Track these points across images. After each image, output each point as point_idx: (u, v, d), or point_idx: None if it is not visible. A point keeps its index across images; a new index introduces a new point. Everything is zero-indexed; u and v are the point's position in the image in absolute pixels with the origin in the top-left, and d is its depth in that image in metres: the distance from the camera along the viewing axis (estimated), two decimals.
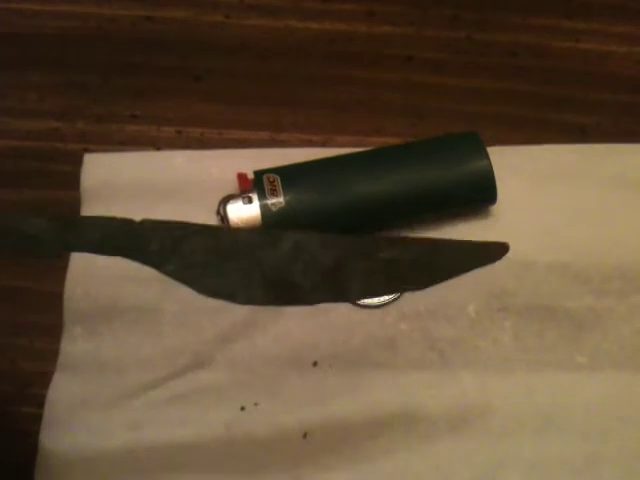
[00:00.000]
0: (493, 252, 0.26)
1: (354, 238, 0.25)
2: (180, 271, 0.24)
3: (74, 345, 0.36)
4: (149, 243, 0.24)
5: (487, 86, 0.44)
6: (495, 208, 0.38)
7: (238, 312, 0.37)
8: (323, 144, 0.42)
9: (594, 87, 0.44)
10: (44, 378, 0.35)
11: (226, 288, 0.24)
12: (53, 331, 0.36)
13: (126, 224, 0.24)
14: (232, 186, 0.38)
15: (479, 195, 0.38)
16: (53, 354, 0.36)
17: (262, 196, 0.36)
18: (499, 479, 0.33)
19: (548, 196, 0.39)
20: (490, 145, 0.38)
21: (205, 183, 0.39)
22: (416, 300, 0.37)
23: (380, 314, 0.36)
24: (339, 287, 0.25)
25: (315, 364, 0.35)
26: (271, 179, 0.37)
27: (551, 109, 0.43)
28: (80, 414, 0.34)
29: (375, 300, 0.37)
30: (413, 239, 0.26)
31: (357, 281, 0.25)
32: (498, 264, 0.37)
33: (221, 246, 0.24)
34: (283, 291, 0.25)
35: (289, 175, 0.37)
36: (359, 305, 0.36)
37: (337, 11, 0.46)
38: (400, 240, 0.26)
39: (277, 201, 0.36)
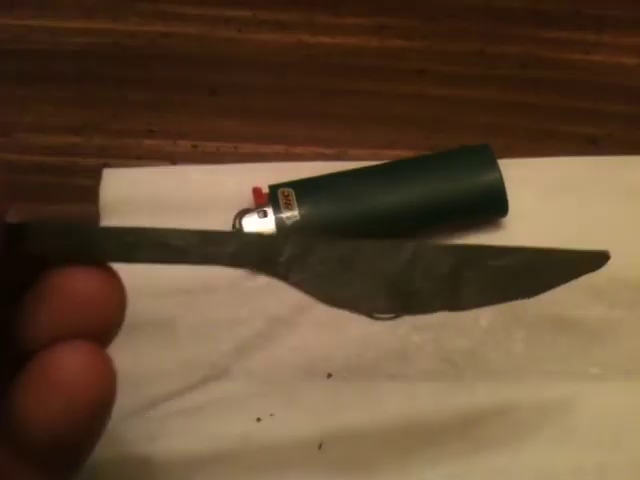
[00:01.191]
0: (595, 260, 0.27)
1: (466, 246, 0.25)
2: (305, 282, 0.25)
3: None
4: (279, 254, 0.24)
5: (499, 98, 0.45)
6: (506, 220, 0.39)
7: (254, 324, 0.37)
8: (337, 157, 0.42)
9: (605, 99, 0.45)
10: None
11: (350, 298, 0.25)
12: None
13: (260, 238, 0.25)
14: (248, 200, 0.38)
15: (490, 207, 0.38)
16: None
17: (277, 210, 0.37)
18: None
19: (559, 208, 0.40)
20: (502, 157, 0.38)
21: (221, 197, 0.40)
22: None
23: (392, 326, 0.37)
24: (453, 295, 0.25)
25: (329, 376, 0.36)
26: (286, 193, 0.38)
27: (562, 121, 0.44)
28: None
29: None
30: (518, 248, 0.26)
31: (471, 290, 0.25)
32: None
33: (345, 256, 0.25)
34: (404, 300, 0.25)
35: (303, 189, 0.38)
36: (372, 317, 0.37)
37: (348, 25, 0.47)
38: (507, 249, 0.26)
39: (292, 215, 0.37)
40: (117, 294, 0.22)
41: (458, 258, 0.25)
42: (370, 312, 0.25)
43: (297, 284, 0.24)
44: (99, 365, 0.21)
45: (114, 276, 0.22)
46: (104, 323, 0.22)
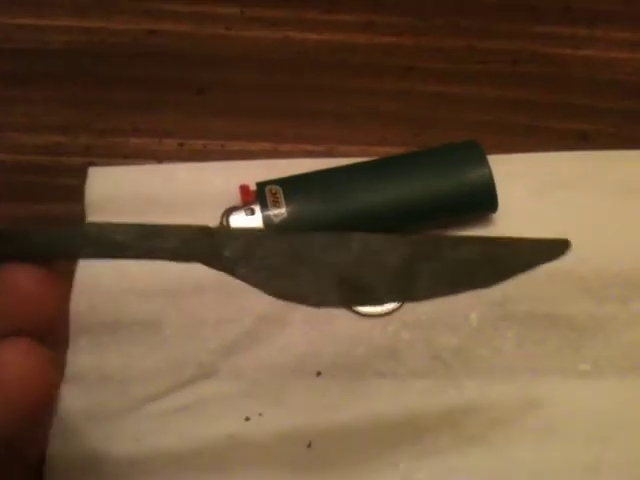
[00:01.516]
0: (555, 248, 0.27)
1: (419, 237, 0.25)
2: (253, 274, 0.24)
3: (79, 357, 0.36)
4: (224, 248, 0.24)
5: (489, 94, 0.45)
6: (496, 216, 0.38)
7: (242, 323, 0.37)
8: (326, 155, 0.42)
9: (596, 94, 0.45)
10: None
11: (298, 290, 0.25)
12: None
13: (202, 231, 0.24)
14: (235, 198, 0.38)
15: (480, 203, 0.38)
16: (60, 366, 0.36)
17: (264, 208, 0.37)
18: None
19: (549, 204, 0.39)
20: (491, 153, 0.38)
21: (208, 195, 0.39)
22: (418, 309, 0.37)
23: (382, 323, 0.36)
24: (407, 287, 0.25)
25: (319, 374, 0.36)
26: (273, 191, 0.37)
27: (553, 116, 0.44)
28: (85, 425, 0.34)
29: (377, 309, 0.37)
30: (475, 238, 0.26)
31: (424, 281, 0.25)
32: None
33: (293, 249, 0.25)
34: (355, 292, 0.25)
35: (291, 186, 0.37)
36: (361, 314, 0.37)
37: (337, 22, 0.47)
38: (464, 239, 0.26)
39: (279, 212, 0.36)
40: (56, 291, 0.22)
41: (412, 249, 0.25)
42: (319, 304, 0.25)
43: (244, 277, 0.24)
44: (38, 362, 0.21)
45: (53, 274, 0.22)
46: (43, 320, 0.22)
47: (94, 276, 0.38)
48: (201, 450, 0.34)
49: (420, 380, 0.35)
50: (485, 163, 0.37)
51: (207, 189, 0.40)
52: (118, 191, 0.40)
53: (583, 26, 0.47)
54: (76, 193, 0.40)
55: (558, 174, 0.40)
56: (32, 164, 0.42)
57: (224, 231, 0.24)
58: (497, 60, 0.46)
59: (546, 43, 0.46)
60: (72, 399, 0.35)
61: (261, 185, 0.38)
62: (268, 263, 0.24)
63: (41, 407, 0.22)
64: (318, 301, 0.25)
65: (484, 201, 0.38)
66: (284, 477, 0.33)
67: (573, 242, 0.38)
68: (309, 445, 0.34)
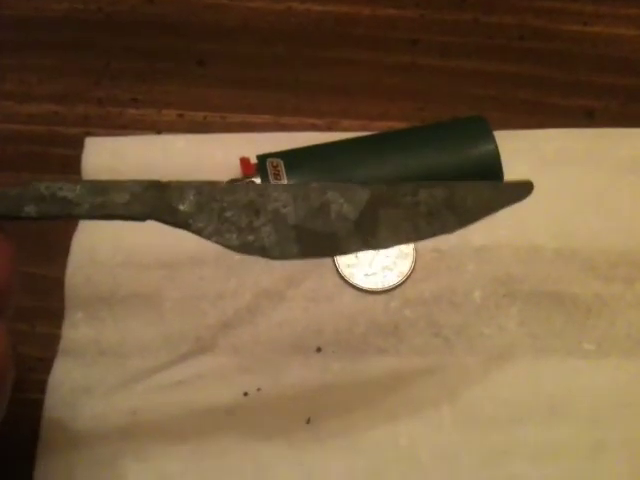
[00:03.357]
0: (517, 191, 0.26)
1: (378, 185, 0.25)
2: (210, 228, 0.24)
3: (75, 331, 0.36)
4: (178, 202, 0.24)
5: (494, 69, 0.44)
6: None
7: (241, 297, 0.36)
8: (327, 128, 0.41)
9: (602, 71, 0.44)
10: (45, 363, 0.35)
11: (258, 243, 0.24)
12: (54, 316, 0.36)
13: (154, 185, 0.24)
14: (235, 170, 0.37)
15: (485, 179, 0.37)
16: (54, 339, 0.35)
17: (265, 181, 0.36)
18: (504, 466, 0.33)
19: (555, 181, 0.39)
20: (497, 129, 0.37)
21: (208, 167, 0.38)
22: (421, 286, 0.36)
23: (384, 300, 0.36)
24: (368, 235, 0.25)
25: (319, 350, 0.35)
26: (274, 164, 0.36)
27: (558, 93, 0.43)
28: (81, 399, 0.34)
29: (379, 285, 0.36)
30: (435, 183, 0.25)
31: (385, 228, 0.25)
32: (504, 249, 0.37)
33: (251, 202, 0.24)
34: (316, 243, 0.24)
35: (293, 159, 0.37)
36: (363, 290, 0.36)
37: None
38: (424, 184, 0.25)
39: None
40: (4, 252, 0.22)
41: (371, 197, 0.24)
42: (281, 257, 0.24)
43: (200, 231, 0.24)
44: None
45: (3, 240, 0.22)
46: None
47: (90, 249, 0.37)
48: (199, 425, 0.33)
49: (421, 357, 0.35)
50: (491, 139, 0.37)
51: (207, 161, 0.39)
52: (116, 162, 0.39)
53: (590, 2, 0.46)
54: (73, 164, 0.39)
55: (564, 151, 0.40)
56: (28, 134, 0.41)
57: (177, 184, 0.24)
58: (503, 35, 0.45)
59: (553, 19, 0.45)
60: (67, 373, 0.35)
61: (262, 158, 0.37)
62: (225, 217, 0.24)
63: None
64: (280, 254, 0.24)
65: (490, 177, 0.37)
66: (283, 452, 0.33)
67: (579, 220, 0.38)
68: (308, 421, 0.33)
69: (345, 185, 0.25)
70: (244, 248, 0.24)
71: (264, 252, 0.24)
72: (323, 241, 0.24)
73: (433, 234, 0.25)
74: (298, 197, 0.24)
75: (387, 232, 0.25)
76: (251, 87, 0.42)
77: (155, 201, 0.24)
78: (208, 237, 0.24)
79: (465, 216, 0.26)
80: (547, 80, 0.43)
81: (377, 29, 0.45)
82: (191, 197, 0.24)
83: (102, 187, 0.23)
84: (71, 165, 0.39)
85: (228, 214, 0.24)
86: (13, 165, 0.40)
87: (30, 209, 0.23)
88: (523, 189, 0.26)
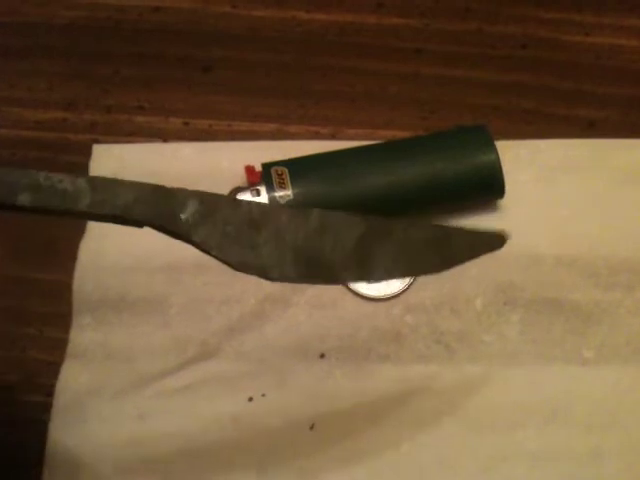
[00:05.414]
0: (494, 241, 0.27)
1: (374, 218, 0.25)
2: (210, 241, 0.24)
3: (83, 335, 0.36)
4: (181, 210, 0.24)
5: (497, 79, 0.44)
6: (503, 202, 0.38)
7: (246, 303, 0.37)
8: (332, 136, 0.42)
9: (604, 81, 0.44)
10: (53, 367, 0.35)
11: (259, 262, 0.24)
12: (62, 320, 0.36)
13: (158, 189, 0.24)
14: (240, 178, 0.38)
15: (487, 189, 0.38)
16: (62, 343, 0.36)
17: (270, 189, 0.36)
18: (504, 471, 0.33)
19: (556, 190, 0.39)
20: (499, 138, 0.38)
21: (213, 175, 0.39)
22: (422, 293, 0.37)
23: (386, 307, 0.37)
24: (361, 267, 0.25)
25: (322, 356, 0.36)
26: (279, 172, 0.37)
27: (560, 103, 0.43)
28: (89, 403, 0.34)
29: (382, 292, 0.37)
30: (425, 224, 0.26)
31: (378, 262, 0.25)
32: (505, 257, 0.37)
33: (253, 219, 0.24)
34: (314, 268, 0.25)
35: (297, 168, 0.37)
36: (366, 297, 0.37)
37: (345, 2, 0.46)
38: (415, 223, 0.26)
39: (285, 194, 0.36)
40: None
41: (366, 229, 0.25)
42: (280, 278, 0.24)
43: (200, 244, 0.23)
44: None
45: None
46: None
47: (97, 255, 0.38)
48: (203, 429, 0.34)
49: (423, 364, 0.35)
50: (493, 149, 0.37)
51: (213, 169, 0.39)
52: (122, 169, 0.39)
53: (592, 13, 0.47)
54: (80, 170, 0.40)
55: (565, 161, 0.40)
56: (36, 140, 0.41)
57: (181, 191, 0.24)
58: (506, 45, 0.45)
59: (555, 29, 0.46)
60: (75, 377, 0.35)
61: (267, 166, 0.37)
62: (227, 230, 0.24)
63: None
64: (279, 275, 0.24)
65: (491, 186, 0.38)
66: (286, 458, 0.33)
67: (579, 228, 0.38)
68: (312, 427, 0.34)
69: (344, 214, 0.25)
70: (246, 266, 0.24)
71: (265, 272, 0.24)
72: (318, 266, 0.25)
73: (422, 272, 0.26)
74: (297, 220, 0.24)
75: (379, 266, 0.25)
76: (257, 95, 0.43)
77: (157, 206, 0.23)
78: (208, 250, 0.24)
79: (448, 259, 0.26)
80: (549, 90, 0.44)
81: (382, 38, 0.45)
82: (194, 206, 0.24)
83: (105, 184, 0.23)
84: (79, 171, 0.39)
85: (229, 229, 0.24)
86: None
87: (24, 198, 0.22)
88: (497, 240, 0.27)
